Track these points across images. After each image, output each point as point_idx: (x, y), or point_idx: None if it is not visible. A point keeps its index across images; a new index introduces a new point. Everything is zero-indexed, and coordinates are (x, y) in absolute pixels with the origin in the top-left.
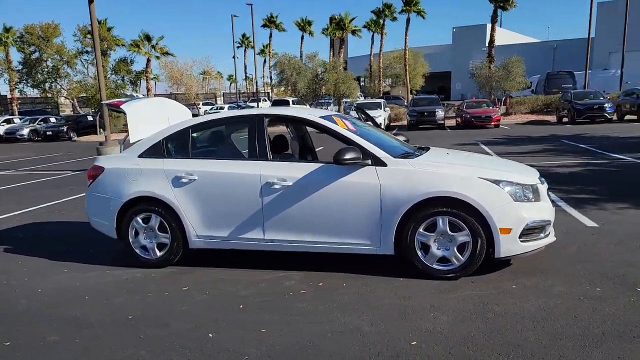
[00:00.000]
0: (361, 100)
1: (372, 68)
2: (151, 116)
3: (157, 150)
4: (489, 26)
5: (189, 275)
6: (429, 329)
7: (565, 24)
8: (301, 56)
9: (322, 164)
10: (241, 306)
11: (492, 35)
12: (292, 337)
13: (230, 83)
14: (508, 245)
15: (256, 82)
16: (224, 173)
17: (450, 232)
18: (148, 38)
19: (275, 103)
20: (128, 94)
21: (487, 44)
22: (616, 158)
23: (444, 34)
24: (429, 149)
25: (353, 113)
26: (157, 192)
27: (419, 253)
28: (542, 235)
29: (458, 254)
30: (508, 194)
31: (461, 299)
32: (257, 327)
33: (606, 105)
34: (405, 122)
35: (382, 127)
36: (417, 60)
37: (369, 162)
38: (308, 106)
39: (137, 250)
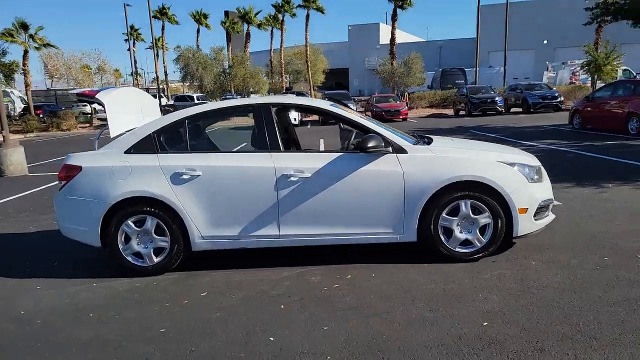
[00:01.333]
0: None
1: (272, 64)
2: (128, 108)
3: (147, 144)
4: (382, 25)
5: (199, 279)
6: (488, 309)
7: (444, 24)
8: (198, 49)
9: (340, 153)
10: (282, 306)
11: (393, 33)
12: (361, 331)
13: (117, 78)
14: (525, 224)
15: (157, 77)
16: (232, 167)
17: (472, 215)
18: (24, 26)
19: (178, 99)
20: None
21: (380, 43)
22: (531, 145)
23: (342, 32)
24: (432, 138)
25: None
26: (154, 192)
27: (442, 238)
28: (547, 213)
29: (480, 236)
30: (523, 175)
31: (496, 278)
32: (316, 325)
33: (497, 99)
34: (317, 118)
35: (297, 122)
36: (317, 57)
37: (390, 149)
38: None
39: (128, 258)
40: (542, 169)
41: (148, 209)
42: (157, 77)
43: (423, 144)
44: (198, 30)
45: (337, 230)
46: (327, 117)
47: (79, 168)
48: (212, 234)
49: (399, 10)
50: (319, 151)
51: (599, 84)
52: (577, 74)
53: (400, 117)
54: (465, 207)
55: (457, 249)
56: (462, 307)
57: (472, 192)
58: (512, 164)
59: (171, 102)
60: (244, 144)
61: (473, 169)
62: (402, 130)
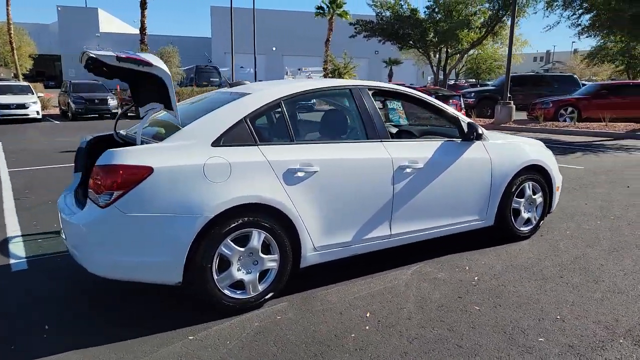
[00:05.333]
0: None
1: None
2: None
3: (242, 133)
4: (101, 11)
5: (318, 301)
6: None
7: (178, 21)
8: None
9: (442, 141)
10: (477, 307)
11: (142, 22)
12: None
13: None
14: (556, 200)
15: None
16: (350, 160)
17: (533, 196)
18: None
19: None
20: None
21: (100, 30)
22: None
23: (50, 12)
24: None
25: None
26: (266, 196)
27: (512, 219)
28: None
29: (535, 214)
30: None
31: (573, 254)
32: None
33: None
34: (59, 111)
35: (40, 116)
36: (22, 39)
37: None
38: None
39: (225, 292)
40: None
41: (255, 219)
42: None
43: None
44: None
45: (439, 223)
46: (416, 104)
47: (148, 170)
48: (325, 243)
49: None
50: (421, 139)
51: None
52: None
53: None
54: (529, 188)
55: (522, 228)
56: (595, 286)
57: (534, 175)
58: (548, 148)
59: None
60: (357, 129)
61: (535, 154)
62: None
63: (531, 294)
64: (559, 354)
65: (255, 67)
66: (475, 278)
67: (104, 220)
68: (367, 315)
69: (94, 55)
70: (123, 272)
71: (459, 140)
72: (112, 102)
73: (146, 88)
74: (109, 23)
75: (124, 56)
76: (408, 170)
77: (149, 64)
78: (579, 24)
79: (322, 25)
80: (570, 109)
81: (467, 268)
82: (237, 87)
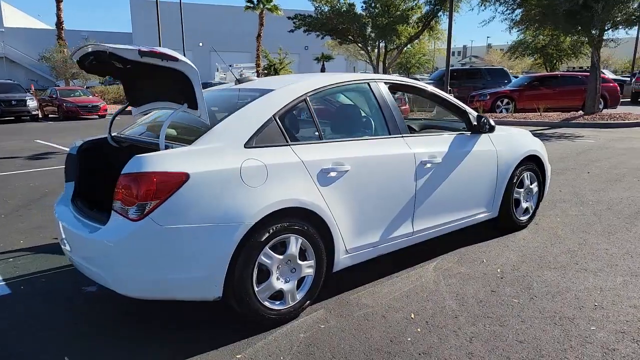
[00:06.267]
0: None
1: None
2: None
3: (272, 133)
4: (4, 4)
5: (354, 306)
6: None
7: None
8: None
9: (454, 134)
10: (515, 300)
11: (59, 16)
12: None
13: None
14: (547, 189)
15: None
16: (379, 157)
17: (530, 185)
18: None
19: None
20: None
21: (4, 25)
22: None
23: None
24: None
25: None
26: (302, 199)
27: (514, 209)
28: None
29: (532, 203)
30: None
31: (575, 241)
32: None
33: None
34: None
35: None
36: None
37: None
38: None
39: (265, 303)
40: None
41: (292, 224)
42: None
43: None
44: None
45: (451, 218)
46: (426, 97)
47: (184, 176)
48: (356, 245)
49: None
50: (435, 133)
51: None
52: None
53: (99, 113)
54: (527, 178)
55: (521, 218)
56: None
57: (530, 165)
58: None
59: None
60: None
61: (533, 144)
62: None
63: (558, 283)
64: (617, 341)
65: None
66: (498, 270)
67: (139, 234)
68: (412, 316)
69: (112, 50)
70: (160, 292)
71: (468, 133)
72: (32, 103)
73: (156, 85)
74: (13, 17)
75: (147, 50)
76: (428, 165)
77: (174, 59)
78: (513, 19)
79: (252, 20)
80: (506, 100)
81: (484, 261)
82: (246, 82)
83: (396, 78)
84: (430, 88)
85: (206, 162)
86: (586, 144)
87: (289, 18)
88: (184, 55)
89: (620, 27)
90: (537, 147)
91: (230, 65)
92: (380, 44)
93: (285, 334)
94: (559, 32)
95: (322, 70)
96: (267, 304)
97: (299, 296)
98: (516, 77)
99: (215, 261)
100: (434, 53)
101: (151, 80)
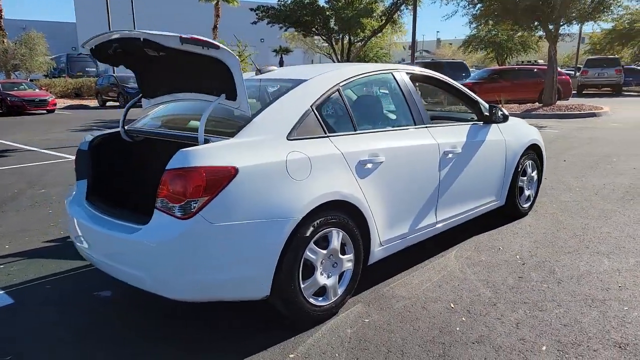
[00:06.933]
0: None
1: None
2: None
3: (312, 124)
4: None
5: (391, 298)
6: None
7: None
8: None
9: (470, 124)
10: (545, 285)
11: None
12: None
13: None
14: (543, 176)
15: None
16: (409, 147)
17: (532, 174)
18: None
19: None
20: None
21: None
22: None
23: None
24: None
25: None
26: (344, 191)
27: (519, 197)
28: None
29: (533, 191)
30: None
31: (577, 225)
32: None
33: None
34: None
35: None
36: None
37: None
38: None
39: (311, 300)
40: None
41: (334, 218)
42: None
43: None
44: None
45: (468, 207)
46: (441, 88)
47: (233, 170)
48: (388, 237)
49: None
50: (454, 124)
51: None
52: None
53: (47, 108)
54: (529, 167)
55: (524, 205)
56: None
57: (531, 153)
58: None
59: None
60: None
61: (534, 133)
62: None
63: (579, 267)
64: None
65: None
66: (517, 257)
67: (189, 233)
68: (452, 306)
69: (147, 37)
70: (207, 293)
71: (480, 123)
72: None
73: (184, 76)
74: None
75: (188, 37)
76: (450, 155)
77: (215, 47)
78: (474, 14)
79: (208, 11)
80: None
81: (500, 248)
82: (268, 73)
83: (415, 69)
84: (446, 79)
85: (253, 155)
86: (552, 133)
87: (251, 9)
88: None
89: (574, 22)
90: (537, 136)
91: None
92: (344, 37)
93: (331, 330)
94: (517, 27)
95: (280, 62)
96: (312, 300)
97: (339, 291)
98: (473, 71)
99: (264, 259)
100: (389, 47)
101: (178, 70)
